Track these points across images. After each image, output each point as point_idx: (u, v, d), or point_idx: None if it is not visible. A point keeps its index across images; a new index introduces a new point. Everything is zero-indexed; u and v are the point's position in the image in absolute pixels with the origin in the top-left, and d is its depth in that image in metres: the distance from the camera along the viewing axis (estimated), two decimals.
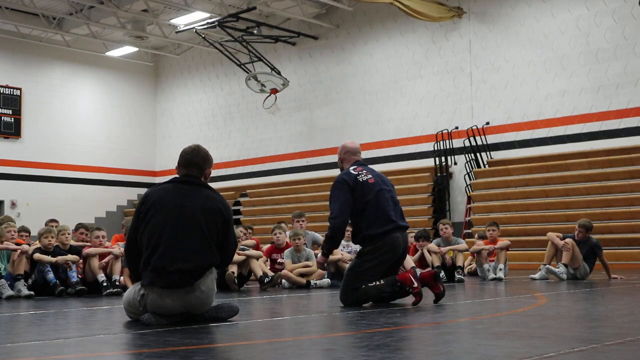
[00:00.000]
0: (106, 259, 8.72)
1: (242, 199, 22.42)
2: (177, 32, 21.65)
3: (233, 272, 8.96)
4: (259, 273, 9.17)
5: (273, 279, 9.14)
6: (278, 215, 18.64)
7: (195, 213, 5.02)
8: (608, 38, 16.07)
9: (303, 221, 10.95)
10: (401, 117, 19.38)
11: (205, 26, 19.69)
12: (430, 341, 4.16)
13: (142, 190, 22.78)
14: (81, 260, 8.71)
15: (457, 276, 10.15)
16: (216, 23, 19.14)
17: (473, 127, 17.77)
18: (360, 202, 6.37)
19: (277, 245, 10.27)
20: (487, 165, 17.74)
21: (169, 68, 25.76)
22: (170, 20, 21.04)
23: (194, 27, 20.16)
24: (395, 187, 7.09)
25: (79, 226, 10.18)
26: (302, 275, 9.60)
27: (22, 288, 8.05)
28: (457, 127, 18.12)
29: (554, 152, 16.59)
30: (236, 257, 8.91)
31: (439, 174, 18.00)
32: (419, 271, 6.61)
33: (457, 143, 17.91)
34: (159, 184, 5.49)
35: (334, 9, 20.52)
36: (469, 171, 17.67)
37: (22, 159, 22.71)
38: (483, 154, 17.77)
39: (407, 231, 6.91)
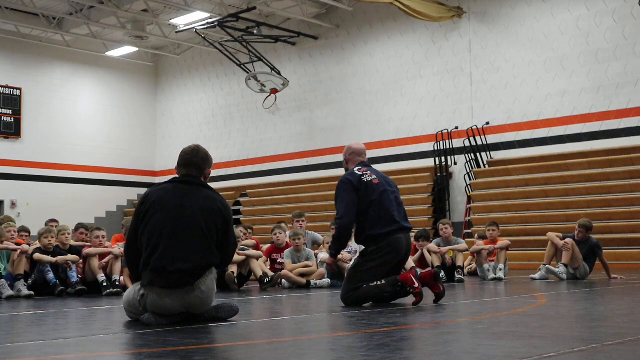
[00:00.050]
0: (106, 259, 8.72)
1: (242, 199, 22.42)
2: (177, 32, 21.65)
3: (233, 272, 8.96)
4: (259, 273, 9.17)
5: (273, 279, 9.14)
6: (278, 215, 18.64)
7: (195, 213, 5.02)
8: (608, 38, 16.07)
9: (303, 221, 10.96)
10: (401, 117, 19.38)
11: (205, 26, 19.69)
12: (430, 341, 4.16)
13: (142, 190, 22.79)
14: (81, 260, 8.71)
15: (457, 276, 10.15)
16: (216, 23, 19.14)
17: (473, 127, 17.77)
18: (364, 202, 6.39)
19: (277, 245, 10.27)
20: (487, 165, 17.74)
21: (169, 68, 25.76)
22: (170, 20, 21.04)
23: (194, 27, 20.16)
24: None
25: (79, 226, 10.19)
26: (302, 275, 9.60)
27: (22, 288, 8.05)
28: (457, 127, 18.12)
29: (554, 152, 16.59)
30: (236, 257, 8.91)
31: (439, 174, 18.00)
32: (419, 271, 6.61)
33: (457, 143, 17.91)
34: (158, 184, 5.49)
35: (334, 9, 20.52)
36: (469, 171, 17.67)
37: (22, 159, 22.71)
38: (483, 154, 17.77)
39: None
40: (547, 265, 10.30)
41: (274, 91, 19.57)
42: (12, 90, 22.57)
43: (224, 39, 20.43)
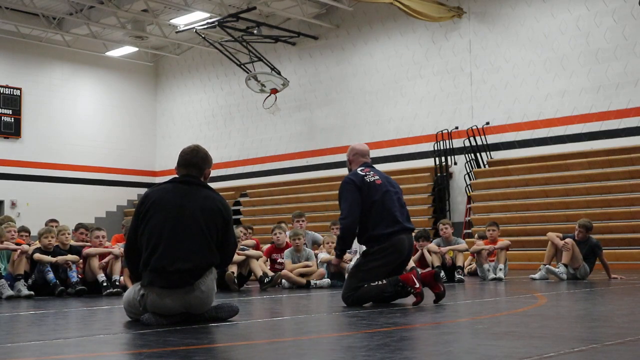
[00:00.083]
0: (106, 259, 8.72)
1: (242, 199, 22.43)
2: (177, 32, 21.65)
3: (233, 272, 8.96)
4: (259, 273, 9.17)
5: (273, 279, 9.14)
6: (278, 215, 18.64)
7: (194, 213, 5.02)
8: (608, 38, 16.07)
9: (303, 221, 10.96)
10: (401, 117, 19.39)
11: (205, 26, 19.69)
12: (430, 341, 4.16)
13: (142, 190, 22.78)
14: (81, 260, 8.71)
15: (457, 276, 10.15)
16: (216, 23, 19.14)
17: (473, 127, 17.77)
18: (367, 202, 6.40)
19: (277, 245, 10.27)
20: (487, 165, 17.74)
21: (169, 68, 25.76)
22: (170, 20, 21.04)
23: (194, 27, 20.16)
24: None
25: (79, 226, 10.19)
26: (302, 275, 9.60)
27: (22, 288, 8.05)
28: (457, 127, 18.12)
29: (554, 152, 16.59)
30: (236, 257, 8.91)
31: (439, 174, 18.00)
32: (419, 271, 6.62)
33: (457, 143, 17.91)
34: (158, 184, 5.49)
35: (334, 9, 20.52)
36: (469, 171, 17.67)
37: (22, 159, 22.71)
38: (483, 154, 17.77)
39: None
40: (547, 265, 10.30)
41: (274, 91, 19.57)
42: (12, 90, 22.58)
43: (224, 39, 20.43)
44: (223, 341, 4.28)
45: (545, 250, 10.65)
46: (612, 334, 4.20)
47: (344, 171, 19.53)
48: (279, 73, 19.69)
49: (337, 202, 6.78)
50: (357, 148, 6.87)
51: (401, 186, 7.03)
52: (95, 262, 8.59)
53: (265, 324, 5.33)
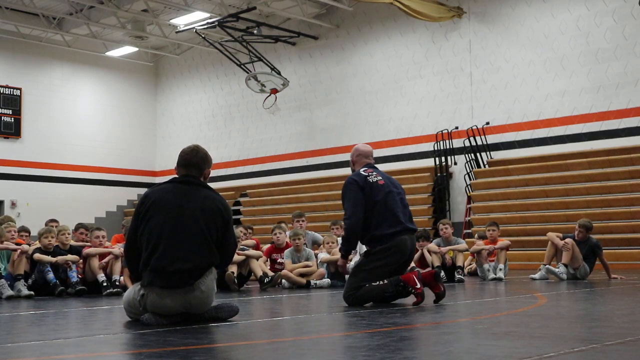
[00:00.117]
0: (106, 259, 8.72)
1: (242, 199, 22.43)
2: (177, 32, 21.65)
3: (233, 272, 8.96)
4: (259, 273, 9.17)
5: (273, 279, 9.14)
6: (278, 215, 18.64)
7: (194, 213, 5.02)
8: (608, 38, 16.07)
9: (303, 221, 10.96)
10: (401, 117, 19.39)
11: (205, 26, 19.69)
12: (430, 341, 4.16)
13: (142, 190, 22.78)
14: (81, 260, 8.71)
15: (457, 276, 10.15)
16: (216, 23, 19.14)
17: (473, 127, 17.77)
18: (369, 202, 6.41)
19: (277, 245, 10.27)
20: (487, 165, 17.74)
21: (169, 68, 25.76)
22: (170, 20, 21.04)
23: (194, 27, 20.16)
24: None
25: (79, 226, 10.19)
26: (302, 275, 9.60)
27: (22, 288, 8.05)
28: (457, 127, 18.12)
29: (554, 152, 16.59)
30: (236, 257, 8.91)
31: (439, 174, 18.00)
32: (420, 271, 6.62)
33: (457, 143, 17.91)
34: (158, 184, 5.49)
35: (334, 9, 20.52)
36: (469, 171, 17.67)
37: (22, 159, 22.71)
38: (483, 154, 17.77)
39: None
40: (547, 265, 10.30)
41: (274, 91, 19.57)
42: (12, 90, 22.58)
43: (224, 39, 20.43)
44: (223, 341, 4.28)
45: (545, 250, 10.65)
46: (612, 334, 4.20)
47: (343, 171, 19.76)
48: (279, 73, 19.69)
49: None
50: (361, 149, 6.89)
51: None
52: (95, 262, 8.60)
53: (265, 324, 5.33)
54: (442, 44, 18.69)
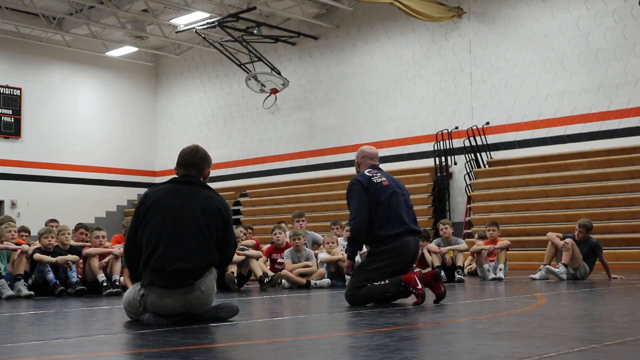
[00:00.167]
0: (106, 259, 8.72)
1: (242, 199, 22.43)
2: (177, 32, 21.65)
3: (233, 272, 8.96)
4: (259, 273, 9.17)
5: (273, 279, 9.14)
6: (278, 215, 18.64)
7: (194, 213, 5.02)
8: (608, 38, 16.07)
9: (303, 221, 10.96)
10: (401, 117, 19.39)
11: (205, 26, 19.69)
12: (430, 341, 4.16)
13: (142, 190, 22.78)
14: (81, 260, 8.71)
15: (457, 276, 10.15)
16: (216, 23, 19.14)
17: (473, 127, 17.77)
18: (374, 202, 6.42)
19: (277, 245, 10.27)
20: (487, 165, 17.74)
21: (169, 68, 25.76)
22: (170, 20, 21.04)
23: (194, 27, 20.16)
24: None
25: (79, 226, 10.19)
26: (302, 275, 9.60)
27: (22, 288, 8.05)
28: (457, 127, 18.12)
29: (554, 152, 16.59)
30: (236, 257, 8.91)
31: (439, 174, 18.00)
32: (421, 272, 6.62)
33: (457, 143, 17.91)
34: (158, 184, 5.49)
35: (334, 9, 20.52)
36: (469, 171, 17.67)
37: (22, 159, 22.71)
38: (483, 154, 17.77)
39: None
40: (547, 265, 10.30)
41: (274, 91, 19.57)
42: (12, 90, 22.58)
43: (224, 39, 20.44)
44: (223, 341, 4.28)
45: (545, 250, 10.65)
46: (612, 334, 4.20)
47: (343, 171, 19.78)
48: (279, 73, 19.70)
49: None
50: (366, 151, 6.90)
51: None
52: (95, 262, 8.59)
53: (265, 324, 5.33)
54: (442, 44, 18.69)
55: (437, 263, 10.18)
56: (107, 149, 24.54)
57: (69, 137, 23.75)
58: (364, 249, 7.34)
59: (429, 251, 10.40)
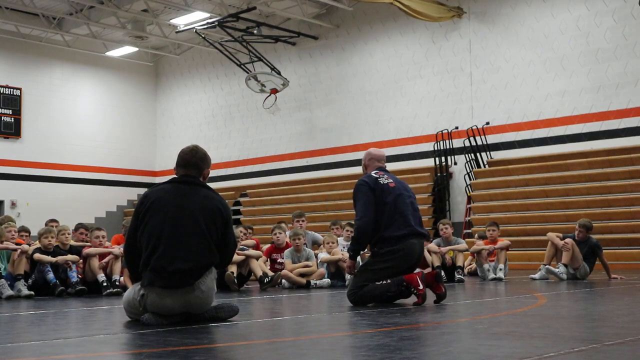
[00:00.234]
0: (106, 259, 8.72)
1: (242, 199, 22.43)
2: (177, 32, 21.65)
3: (233, 272, 8.95)
4: (259, 273, 9.17)
5: (273, 279, 9.14)
6: (278, 215, 18.64)
7: (194, 213, 5.02)
8: (608, 38, 16.07)
9: (303, 221, 10.96)
10: (401, 117, 19.39)
11: (205, 26, 19.69)
12: (430, 341, 4.16)
13: (142, 190, 22.78)
14: (81, 260, 8.71)
15: (457, 276, 10.15)
16: (216, 23, 19.14)
17: (473, 127, 17.77)
18: (380, 203, 6.43)
19: (277, 245, 10.26)
20: (487, 165, 17.74)
21: (169, 68, 25.76)
22: (170, 20, 21.04)
23: (194, 27, 20.16)
24: None
25: (79, 226, 10.19)
26: (302, 275, 9.60)
27: (22, 288, 8.05)
28: (457, 127, 18.12)
29: (554, 152, 16.59)
30: (236, 257, 8.91)
31: (439, 174, 18.00)
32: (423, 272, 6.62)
33: (457, 143, 17.91)
34: (158, 184, 5.49)
35: (334, 9, 20.52)
36: (469, 171, 17.67)
37: (22, 159, 22.71)
38: (483, 154, 17.76)
39: None
40: (547, 265, 10.30)
41: (274, 91, 19.57)
42: (12, 90, 22.58)
43: (224, 39, 20.44)
44: (223, 341, 4.28)
45: (545, 250, 10.65)
46: (612, 334, 4.20)
47: (344, 171, 19.81)
48: (279, 73, 19.70)
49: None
50: (373, 153, 6.94)
51: None
52: (95, 262, 8.60)
53: (265, 324, 5.33)
54: (442, 44, 18.69)
55: (437, 263, 10.18)
56: (107, 149, 24.54)
57: (69, 137, 23.75)
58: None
59: (429, 251, 10.39)
